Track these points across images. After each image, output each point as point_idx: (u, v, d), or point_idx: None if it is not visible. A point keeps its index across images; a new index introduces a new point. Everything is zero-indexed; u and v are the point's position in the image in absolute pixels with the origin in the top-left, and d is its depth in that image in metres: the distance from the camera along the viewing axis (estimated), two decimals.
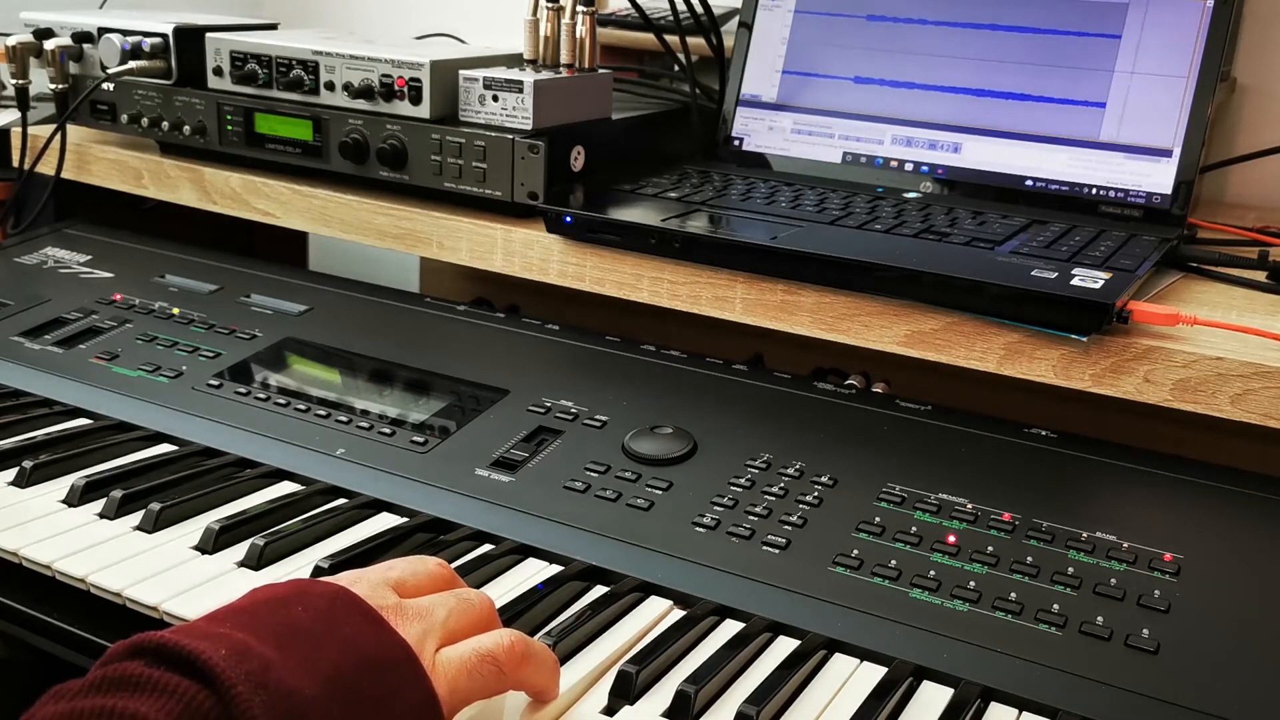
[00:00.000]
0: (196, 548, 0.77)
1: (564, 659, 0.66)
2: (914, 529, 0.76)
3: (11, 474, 0.85)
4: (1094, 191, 1.05)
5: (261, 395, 0.95)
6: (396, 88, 1.07)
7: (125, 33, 1.22)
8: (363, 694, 0.53)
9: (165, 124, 1.21)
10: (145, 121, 1.22)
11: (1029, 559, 0.73)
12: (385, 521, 0.82)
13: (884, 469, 0.82)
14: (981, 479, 0.81)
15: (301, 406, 0.93)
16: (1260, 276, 0.95)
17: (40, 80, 1.29)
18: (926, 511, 0.78)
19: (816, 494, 0.80)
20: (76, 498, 0.82)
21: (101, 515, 0.80)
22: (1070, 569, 0.72)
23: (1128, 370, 0.82)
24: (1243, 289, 0.94)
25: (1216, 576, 0.71)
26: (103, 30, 1.23)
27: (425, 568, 0.64)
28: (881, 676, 0.67)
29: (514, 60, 1.14)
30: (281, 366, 1.01)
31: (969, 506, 0.78)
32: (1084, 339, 0.83)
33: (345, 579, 0.61)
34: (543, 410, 0.91)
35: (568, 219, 1.00)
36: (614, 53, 1.44)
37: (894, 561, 0.74)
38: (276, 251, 1.53)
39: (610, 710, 0.63)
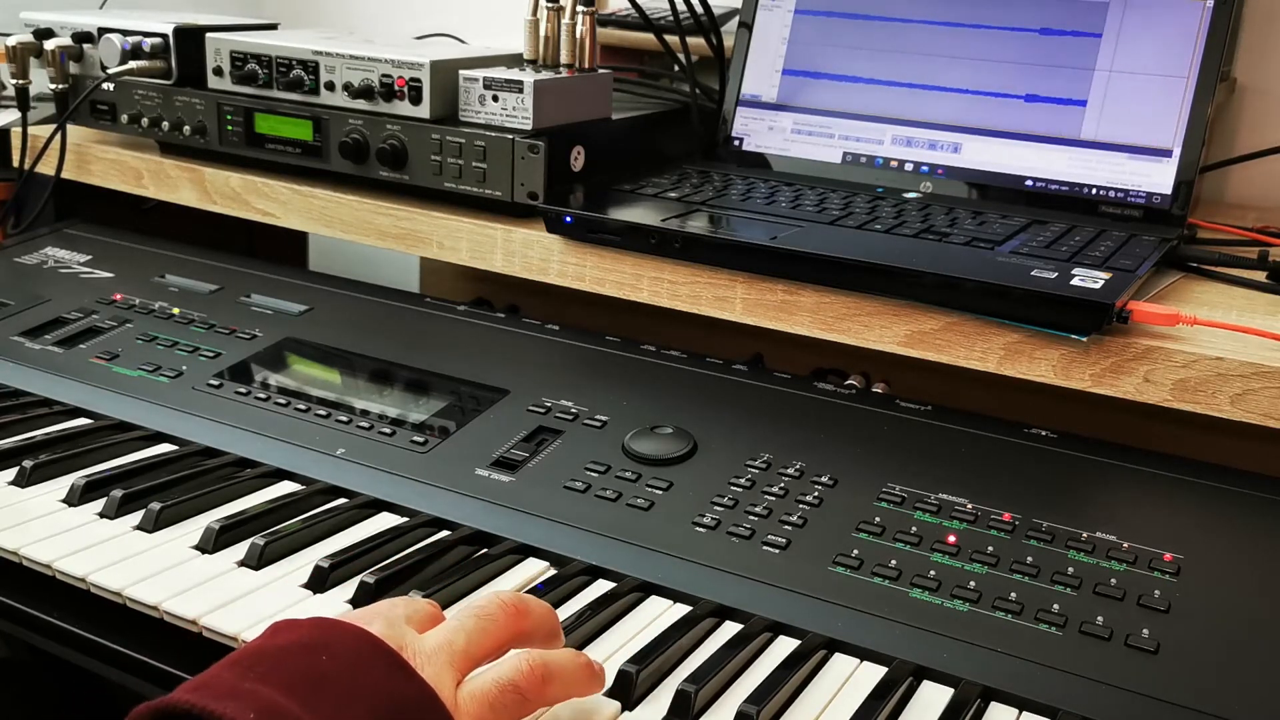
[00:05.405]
0: (196, 547, 0.77)
1: None
2: (914, 529, 0.76)
3: (11, 474, 0.85)
4: (1094, 191, 1.05)
5: (261, 395, 0.95)
6: (396, 88, 1.07)
7: (125, 33, 1.22)
8: None
9: (165, 124, 1.21)
10: (145, 121, 1.22)
11: (1029, 559, 0.73)
12: (385, 521, 0.82)
13: (884, 469, 0.82)
14: (981, 479, 0.81)
15: (301, 406, 0.93)
16: (1260, 276, 0.95)
17: (40, 80, 1.29)
18: (926, 511, 0.78)
19: (816, 494, 0.80)
20: (76, 497, 0.82)
21: (101, 515, 0.80)
22: (1070, 569, 0.72)
23: (1128, 370, 0.82)
24: (1243, 289, 0.94)
25: (1216, 576, 0.71)
26: (103, 30, 1.23)
27: (421, 606, 0.62)
28: (881, 676, 0.67)
29: (514, 60, 1.14)
30: (281, 366, 1.01)
31: (969, 506, 0.78)
32: (1084, 339, 0.83)
33: (360, 619, 0.59)
34: (543, 410, 0.91)
35: (568, 219, 1.00)
36: (614, 53, 1.44)
37: (894, 561, 0.74)
38: (276, 251, 1.53)
39: None
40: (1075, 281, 0.84)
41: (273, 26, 1.31)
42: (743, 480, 0.82)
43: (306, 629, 0.57)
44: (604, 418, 0.89)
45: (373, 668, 0.55)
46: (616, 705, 0.63)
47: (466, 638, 0.59)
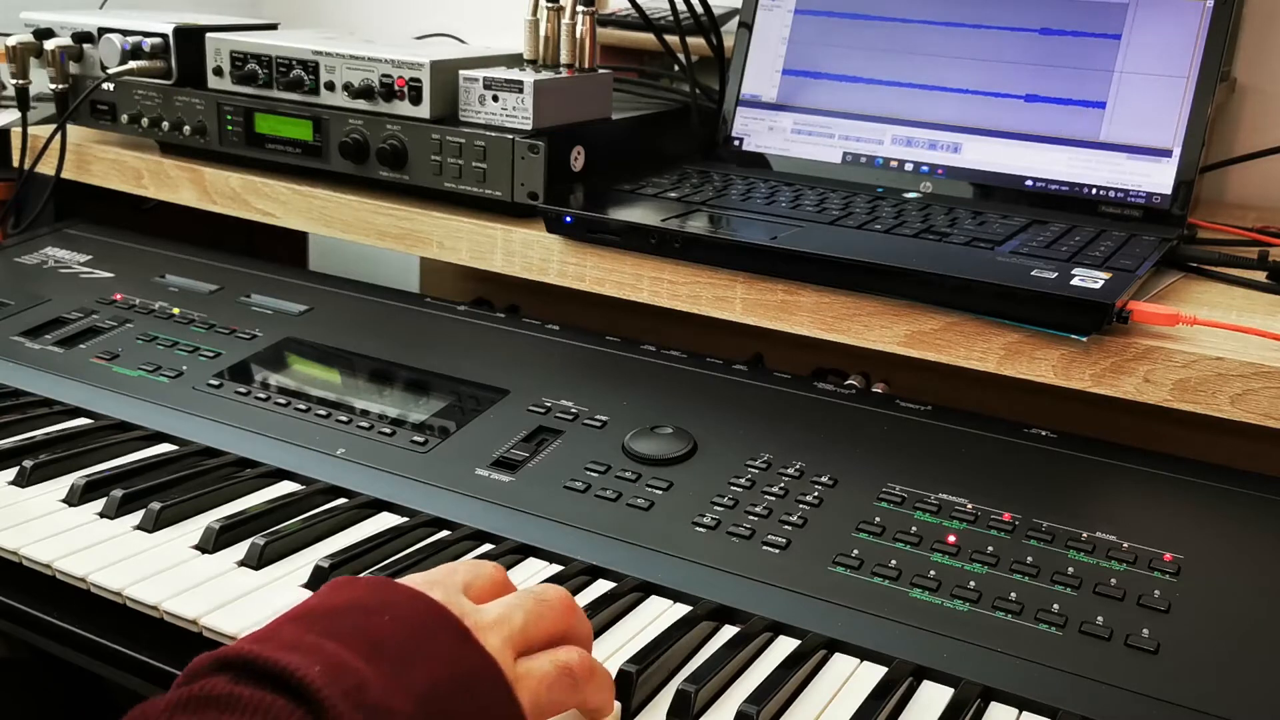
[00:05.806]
0: (197, 547, 0.77)
1: None
2: (914, 529, 0.76)
3: (11, 474, 0.85)
4: (1094, 191, 1.05)
5: (261, 395, 0.95)
6: (396, 88, 1.07)
7: (125, 33, 1.22)
8: (453, 713, 0.52)
9: (165, 124, 1.21)
10: (145, 121, 1.22)
11: (1029, 559, 0.73)
12: (385, 521, 0.82)
13: (884, 469, 0.82)
14: (981, 479, 0.81)
15: (301, 406, 0.93)
16: (1260, 276, 0.95)
17: (40, 80, 1.29)
18: (926, 511, 0.78)
19: (816, 494, 0.80)
20: (77, 497, 0.82)
21: (102, 515, 0.80)
22: (1070, 569, 0.72)
23: (1128, 370, 0.82)
24: (1243, 289, 0.94)
25: (1216, 576, 0.71)
26: (103, 30, 1.23)
27: (486, 572, 0.62)
28: (881, 676, 0.67)
29: (514, 60, 1.14)
30: (281, 366, 1.01)
31: (969, 506, 0.78)
32: (1084, 339, 0.83)
33: (419, 583, 0.58)
34: (543, 410, 0.91)
35: (568, 219, 1.00)
36: (614, 53, 1.44)
37: (894, 561, 0.74)
38: (276, 251, 1.53)
39: None
40: (1075, 281, 0.84)
41: (273, 26, 1.31)
42: (743, 480, 0.82)
43: (364, 589, 0.56)
44: (604, 418, 0.89)
45: (435, 634, 0.54)
46: (617, 706, 0.63)
47: (525, 617, 0.58)
